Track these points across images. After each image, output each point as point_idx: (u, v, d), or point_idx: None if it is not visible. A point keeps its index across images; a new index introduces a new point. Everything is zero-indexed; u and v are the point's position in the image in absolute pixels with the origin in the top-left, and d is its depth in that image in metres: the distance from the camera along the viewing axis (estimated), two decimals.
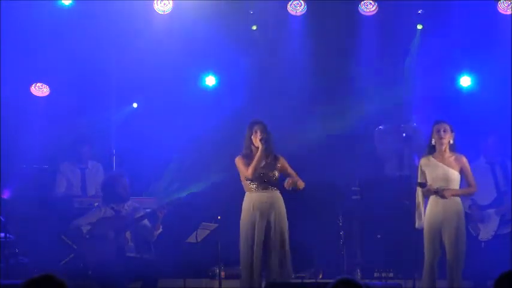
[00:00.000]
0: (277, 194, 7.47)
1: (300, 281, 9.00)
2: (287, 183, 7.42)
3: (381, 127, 9.74)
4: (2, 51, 9.29)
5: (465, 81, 9.91)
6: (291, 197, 9.05)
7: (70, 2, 9.63)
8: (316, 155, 9.86)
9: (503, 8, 9.62)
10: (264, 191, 7.40)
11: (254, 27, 10.01)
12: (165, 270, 8.66)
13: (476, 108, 9.55)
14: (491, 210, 8.89)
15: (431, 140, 7.33)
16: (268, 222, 7.30)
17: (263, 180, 7.38)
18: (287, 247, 7.37)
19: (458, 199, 7.24)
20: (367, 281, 8.77)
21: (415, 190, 7.40)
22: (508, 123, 9.08)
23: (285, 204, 7.62)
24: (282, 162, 7.55)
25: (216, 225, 8.38)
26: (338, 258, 9.31)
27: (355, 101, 9.89)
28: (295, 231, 9.47)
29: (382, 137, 9.68)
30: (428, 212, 7.24)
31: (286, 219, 7.47)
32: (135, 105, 10.24)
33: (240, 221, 7.42)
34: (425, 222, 7.26)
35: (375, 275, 9.27)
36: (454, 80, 9.96)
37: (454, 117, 9.31)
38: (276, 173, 7.45)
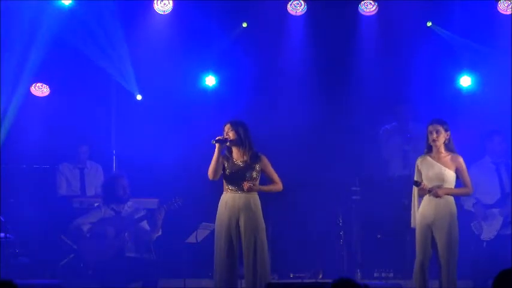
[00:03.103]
0: (252, 197, 7.12)
1: (300, 281, 9.02)
2: (245, 186, 7.08)
3: (386, 127, 9.74)
4: (2, 51, 9.29)
5: (465, 81, 9.91)
6: (291, 197, 9.07)
7: (70, 2, 9.63)
8: (316, 154, 9.86)
9: (503, 8, 9.62)
10: (238, 192, 7.12)
11: (244, 25, 10.00)
12: (165, 270, 8.67)
13: (476, 109, 9.55)
14: (495, 210, 8.89)
15: (427, 140, 7.31)
16: (238, 225, 7.12)
17: (236, 181, 7.11)
18: (261, 249, 7.01)
19: (451, 199, 7.17)
20: (367, 281, 8.77)
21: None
22: (508, 123, 9.09)
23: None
24: (264, 162, 7.22)
25: None
26: (338, 258, 9.32)
27: (355, 101, 9.89)
28: (295, 231, 9.51)
29: (387, 137, 9.68)
30: (421, 211, 7.18)
31: (259, 222, 7.08)
32: (139, 97, 10.18)
33: (215, 222, 7.28)
34: (417, 221, 7.20)
35: (375, 275, 9.28)
36: (454, 80, 9.96)
37: (454, 117, 9.33)
38: (254, 174, 7.14)
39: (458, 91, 9.95)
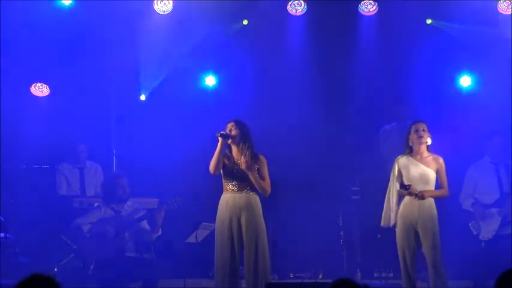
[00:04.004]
0: (252, 197, 7.15)
1: (300, 281, 9.02)
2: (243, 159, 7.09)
3: (386, 127, 9.73)
4: (2, 51, 9.29)
5: (465, 81, 9.91)
6: (291, 197, 9.06)
7: (70, 2, 9.64)
8: (315, 154, 9.86)
9: (503, 8, 9.62)
10: (239, 192, 7.14)
11: (245, 22, 9.99)
12: (165, 270, 8.67)
13: (476, 109, 9.54)
14: (494, 210, 8.90)
15: (408, 140, 7.26)
16: (239, 224, 7.12)
17: (237, 181, 7.14)
18: (262, 250, 7.03)
19: (432, 200, 7.15)
20: (367, 281, 8.77)
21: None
22: (508, 123, 9.09)
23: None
24: (261, 161, 7.22)
25: None
26: (338, 258, 9.32)
27: (355, 101, 9.89)
28: (295, 232, 9.51)
29: (387, 137, 9.67)
30: (402, 213, 7.10)
31: (260, 222, 7.11)
32: (142, 97, 10.17)
33: (215, 222, 7.29)
34: (398, 222, 7.13)
35: (375, 275, 9.28)
36: (454, 80, 9.96)
37: (454, 117, 9.36)
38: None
39: (458, 91, 9.95)
